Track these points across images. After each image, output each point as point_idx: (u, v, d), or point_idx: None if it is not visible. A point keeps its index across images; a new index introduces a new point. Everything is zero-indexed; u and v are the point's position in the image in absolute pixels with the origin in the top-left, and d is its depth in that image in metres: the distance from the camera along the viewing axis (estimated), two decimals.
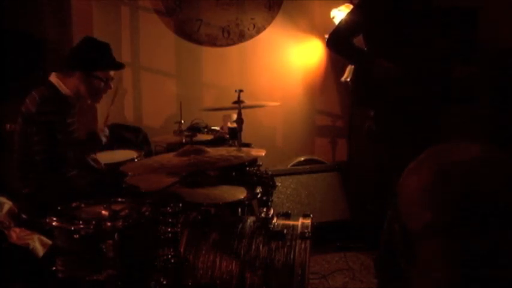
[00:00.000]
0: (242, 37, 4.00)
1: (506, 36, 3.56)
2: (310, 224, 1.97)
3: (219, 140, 3.07)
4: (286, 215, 2.08)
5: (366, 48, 2.89)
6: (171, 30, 3.87)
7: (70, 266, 1.86)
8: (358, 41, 2.91)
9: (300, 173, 3.73)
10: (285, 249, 1.84)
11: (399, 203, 0.84)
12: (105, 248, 1.84)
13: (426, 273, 0.79)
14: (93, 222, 1.85)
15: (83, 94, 2.67)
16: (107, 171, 2.63)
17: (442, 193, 0.78)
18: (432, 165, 0.81)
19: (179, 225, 1.91)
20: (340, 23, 3.14)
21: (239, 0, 3.94)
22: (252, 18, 3.99)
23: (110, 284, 1.85)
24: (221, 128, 3.52)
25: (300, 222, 1.99)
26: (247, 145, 2.77)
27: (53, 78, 2.64)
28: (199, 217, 2.03)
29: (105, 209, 1.87)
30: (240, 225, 1.97)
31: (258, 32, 4.03)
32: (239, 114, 2.35)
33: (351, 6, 3.61)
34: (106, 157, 2.74)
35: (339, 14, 3.85)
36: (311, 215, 2.06)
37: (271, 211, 2.01)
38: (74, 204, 2.05)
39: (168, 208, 1.87)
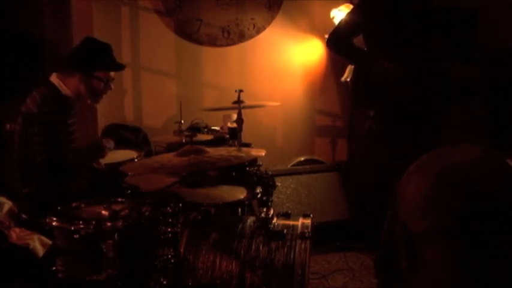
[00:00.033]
0: (242, 37, 4.00)
1: (506, 36, 3.56)
2: (310, 224, 1.97)
3: (219, 140, 3.06)
4: (286, 215, 2.07)
5: (366, 48, 2.89)
6: (171, 30, 3.87)
7: (70, 266, 1.85)
8: (358, 41, 2.91)
9: (300, 173, 3.73)
10: (285, 249, 1.84)
11: (400, 205, 0.84)
12: (105, 248, 1.83)
13: (428, 274, 0.79)
14: (93, 222, 1.85)
15: (83, 94, 2.67)
16: (107, 171, 2.62)
17: (442, 194, 0.78)
18: (432, 168, 0.81)
19: (179, 225, 1.91)
20: (340, 23, 3.14)
21: (239, 0, 3.94)
22: (252, 18, 3.99)
23: (110, 284, 1.84)
24: (221, 128, 3.52)
25: (300, 222, 1.99)
26: (247, 145, 2.76)
27: (54, 78, 2.64)
28: (199, 217, 2.03)
29: (105, 209, 1.87)
30: (240, 225, 1.97)
31: (258, 32, 4.03)
32: (239, 114, 2.35)
33: (351, 6, 3.61)
34: (106, 157, 2.73)
35: (339, 14, 3.85)
36: (311, 215, 2.06)
37: (271, 211, 2.01)
38: (74, 204, 2.05)
39: (168, 208, 1.87)
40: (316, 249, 2.95)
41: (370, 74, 2.75)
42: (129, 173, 2.13)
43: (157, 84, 3.91)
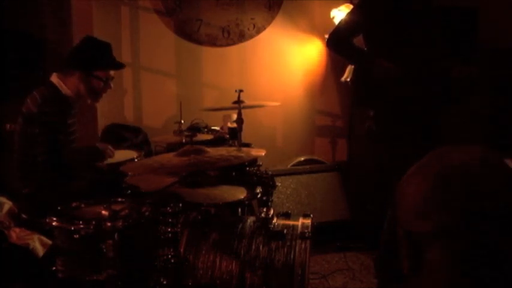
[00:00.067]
0: (242, 37, 4.00)
1: (506, 36, 3.56)
2: (310, 224, 1.97)
3: (219, 140, 3.06)
4: (286, 215, 2.07)
5: (366, 48, 2.89)
6: (171, 30, 3.87)
7: (70, 266, 1.85)
8: (358, 41, 2.91)
9: (300, 173, 3.73)
10: (285, 249, 1.84)
11: (400, 206, 0.84)
12: (105, 248, 1.83)
13: (428, 274, 0.79)
14: (93, 222, 1.85)
15: (83, 94, 2.67)
16: (107, 171, 2.62)
17: (442, 194, 0.78)
18: (432, 169, 0.81)
19: (179, 225, 1.91)
20: (340, 23, 3.14)
21: (239, 0, 3.94)
22: (252, 18, 3.99)
23: (110, 284, 1.84)
24: (221, 128, 3.52)
25: (300, 222, 1.99)
26: (247, 145, 2.76)
27: (54, 78, 2.64)
28: (199, 217, 2.03)
29: (105, 209, 1.87)
30: (240, 225, 1.97)
31: (258, 32, 4.03)
32: (239, 114, 2.34)
33: (351, 6, 3.62)
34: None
35: (339, 14, 3.85)
36: (311, 215, 2.06)
37: (271, 211, 2.01)
38: (74, 204, 2.05)
39: (168, 208, 1.87)
40: (316, 249, 2.95)
41: (370, 74, 2.75)
42: (129, 173, 2.13)
43: (157, 84, 3.91)
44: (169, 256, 1.85)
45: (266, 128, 4.17)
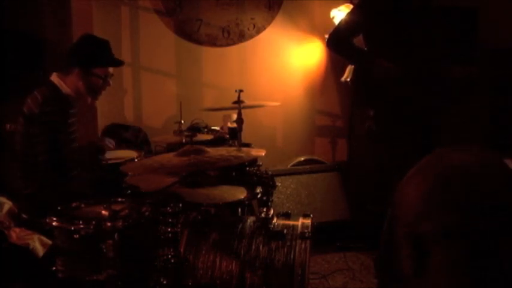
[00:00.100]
0: (242, 37, 4.00)
1: (506, 36, 3.56)
2: (310, 224, 1.97)
3: (219, 140, 3.06)
4: (286, 215, 2.07)
5: (366, 48, 2.89)
6: (171, 30, 3.87)
7: (70, 266, 1.85)
8: (358, 41, 2.91)
9: (300, 173, 3.73)
10: (285, 249, 1.84)
11: (400, 207, 0.84)
12: (105, 248, 1.83)
13: (429, 275, 0.79)
14: (93, 222, 1.85)
15: (82, 91, 2.68)
16: (107, 171, 2.62)
17: (442, 195, 0.78)
18: (432, 169, 0.81)
19: (179, 225, 1.91)
20: (340, 23, 3.14)
21: (239, 0, 3.94)
22: (252, 18, 3.99)
23: (110, 284, 1.84)
24: (221, 128, 3.52)
25: (300, 222, 1.99)
26: (247, 145, 2.76)
27: (54, 78, 2.64)
28: (199, 217, 2.03)
29: (105, 209, 1.87)
30: (240, 225, 1.97)
31: (258, 32, 4.03)
32: (239, 114, 2.34)
33: (351, 6, 3.61)
34: (106, 157, 2.73)
35: (339, 14, 3.85)
36: (311, 215, 2.06)
37: (271, 211, 2.01)
38: (74, 204, 2.05)
39: (168, 208, 1.87)
40: (316, 249, 2.95)
41: (370, 74, 2.75)
42: (129, 173, 2.13)
43: (157, 84, 3.92)
44: (169, 256, 1.85)
45: (266, 128, 4.17)
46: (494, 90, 3.59)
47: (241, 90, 2.31)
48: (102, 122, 3.67)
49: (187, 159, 1.76)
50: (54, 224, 1.88)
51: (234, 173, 2.37)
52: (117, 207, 1.91)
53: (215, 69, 4.02)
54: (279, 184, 3.27)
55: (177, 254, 1.86)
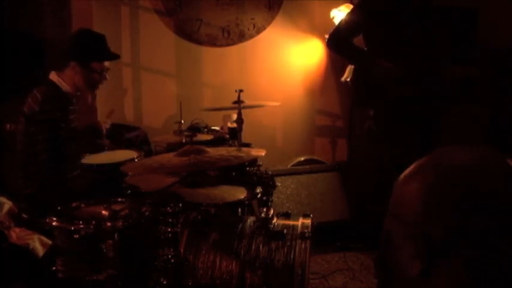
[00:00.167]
0: (242, 37, 4.00)
1: (506, 36, 3.56)
2: (310, 224, 1.97)
3: (219, 140, 3.06)
4: (286, 215, 2.07)
5: (366, 48, 2.89)
6: (171, 30, 3.87)
7: (70, 266, 1.85)
8: (358, 41, 2.91)
9: (300, 173, 3.73)
10: (285, 249, 1.84)
11: (400, 207, 0.84)
12: (105, 248, 1.83)
13: (435, 277, 0.79)
14: (93, 222, 1.85)
15: (80, 85, 2.69)
16: (107, 171, 2.62)
17: (442, 195, 0.78)
18: (432, 169, 0.81)
19: (179, 225, 1.91)
20: (340, 23, 3.14)
21: (239, 0, 3.94)
22: (252, 18, 3.99)
23: (110, 284, 1.84)
24: (221, 128, 3.52)
25: (300, 222, 1.98)
26: (247, 145, 2.76)
27: (53, 76, 2.66)
28: (199, 217, 2.03)
29: (105, 209, 1.87)
30: (240, 225, 1.97)
31: (258, 32, 4.03)
32: (239, 114, 2.34)
33: (351, 6, 3.62)
34: (106, 157, 2.73)
35: (339, 14, 3.85)
36: (311, 215, 2.06)
37: (271, 211, 2.01)
38: (74, 204, 2.05)
39: (168, 208, 1.87)
40: (316, 249, 2.95)
41: (370, 74, 2.75)
42: (129, 173, 2.13)
43: (157, 84, 3.92)
44: (169, 256, 1.84)
45: (266, 128, 4.17)
46: (494, 90, 3.59)
47: (241, 90, 2.31)
48: (105, 116, 3.66)
49: (187, 159, 1.76)
50: (54, 224, 1.88)
51: (234, 173, 2.37)
52: (117, 207, 1.91)
53: (215, 69, 4.02)
54: (279, 184, 3.27)
55: (177, 254, 1.86)
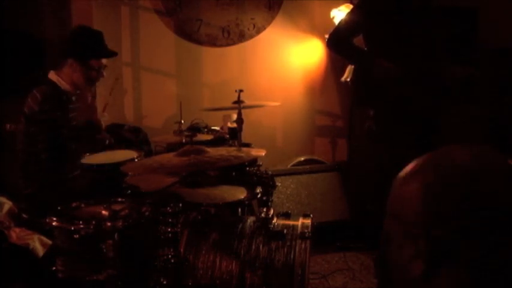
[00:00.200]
0: (242, 37, 4.00)
1: (506, 36, 3.56)
2: (310, 224, 1.97)
3: (219, 140, 3.06)
4: (286, 215, 2.07)
5: (366, 48, 2.89)
6: (171, 30, 3.87)
7: (70, 266, 1.85)
8: (358, 41, 2.91)
9: (300, 173, 3.73)
10: (285, 249, 1.84)
11: (399, 207, 0.84)
12: (105, 248, 1.83)
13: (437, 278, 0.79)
14: (93, 222, 1.85)
15: (78, 83, 2.70)
16: (107, 171, 2.63)
17: (441, 195, 0.78)
18: (431, 168, 0.81)
19: (179, 225, 1.91)
20: (340, 23, 3.14)
21: (239, 0, 3.94)
22: (252, 18, 3.99)
23: (110, 284, 1.84)
24: (221, 128, 3.52)
25: (300, 222, 1.98)
26: (247, 145, 2.76)
27: (52, 76, 2.67)
28: (199, 217, 2.03)
29: (105, 209, 1.87)
30: (240, 225, 1.97)
31: (258, 32, 4.03)
32: (239, 114, 2.34)
33: (351, 6, 3.61)
34: (106, 157, 2.74)
35: (339, 14, 3.85)
36: (311, 215, 2.06)
37: (271, 211, 2.01)
38: (74, 204, 2.05)
39: (168, 208, 1.87)
40: (316, 249, 2.95)
41: (370, 74, 2.75)
42: (129, 173, 2.13)
43: (157, 84, 3.92)
44: (169, 256, 1.85)
45: (266, 128, 4.17)
46: (494, 90, 3.59)
47: (241, 90, 2.31)
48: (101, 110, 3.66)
49: (187, 159, 1.76)
50: (54, 224, 1.88)
51: (234, 173, 2.37)
52: (117, 207, 1.91)
53: (215, 69, 4.02)
54: (279, 184, 3.27)
55: (177, 254, 1.86)
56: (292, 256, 1.82)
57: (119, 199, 2.10)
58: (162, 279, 1.84)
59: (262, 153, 2.02)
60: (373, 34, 2.82)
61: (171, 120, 3.46)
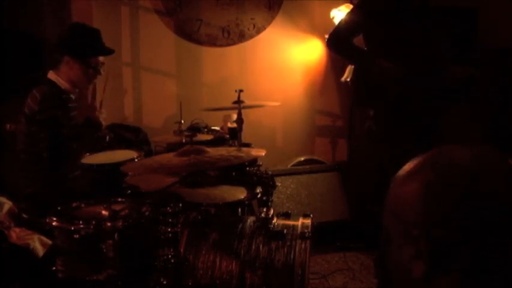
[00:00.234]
0: (242, 37, 4.00)
1: (506, 36, 3.56)
2: (310, 224, 1.97)
3: (219, 140, 3.06)
4: (286, 215, 2.07)
5: (366, 48, 2.89)
6: (171, 30, 3.87)
7: (70, 266, 1.85)
8: (358, 41, 2.91)
9: (300, 173, 3.73)
10: (285, 249, 1.84)
11: (399, 207, 0.84)
12: (105, 248, 1.83)
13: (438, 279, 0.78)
14: (93, 222, 1.85)
15: (75, 79, 2.70)
16: (107, 171, 2.63)
17: (441, 194, 0.78)
18: (431, 169, 0.81)
19: (179, 225, 1.91)
20: (340, 23, 3.14)
21: (239, 0, 3.94)
22: (252, 18, 3.99)
23: (110, 284, 1.84)
24: (221, 128, 3.52)
25: (300, 222, 1.99)
26: (247, 145, 2.77)
27: (51, 75, 2.67)
28: (199, 217, 2.03)
29: (105, 209, 1.87)
30: (240, 225, 1.97)
31: (258, 32, 4.03)
32: (239, 114, 2.34)
33: (351, 6, 3.61)
34: (106, 157, 2.74)
35: (339, 14, 3.85)
36: (311, 215, 2.06)
37: (271, 211, 2.01)
38: (74, 204, 2.05)
39: (168, 208, 1.87)
40: (316, 249, 2.95)
41: (370, 74, 2.75)
42: (129, 173, 2.13)
43: (157, 84, 3.92)
44: (169, 256, 1.85)
45: (266, 128, 4.17)
46: (494, 90, 3.59)
47: (241, 90, 2.31)
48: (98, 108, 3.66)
49: (187, 159, 1.76)
50: (54, 224, 1.88)
51: (234, 173, 2.37)
52: (117, 207, 1.91)
53: (215, 69, 4.02)
54: (279, 184, 3.27)
55: (177, 254, 1.86)
56: (292, 256, 1.82)
57: (119, 199, 2.10)
58: (162, 279, 1.84)
59: (262, 153, 2.02)
60: (373, 34, 2.82)
61: (171, 120, 3.46)
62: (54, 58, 2.76)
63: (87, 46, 2.69)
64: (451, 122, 3.27)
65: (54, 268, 1.86)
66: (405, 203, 0.82)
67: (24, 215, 2.56)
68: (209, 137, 3.03)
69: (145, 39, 3.83)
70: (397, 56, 2.69)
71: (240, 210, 2.40)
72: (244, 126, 2.38)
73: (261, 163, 2.45)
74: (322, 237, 2.83)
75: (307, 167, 3.84)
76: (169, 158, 1.85)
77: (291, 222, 1.99)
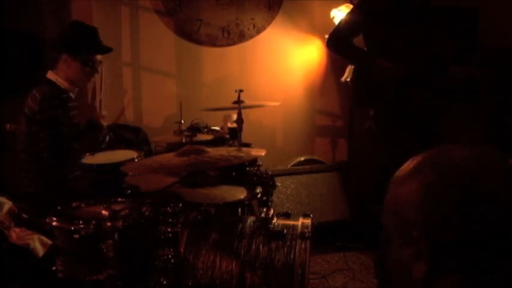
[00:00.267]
0: (242, 37, 4.00)
1: (506, 36, 3.56)
2: (310, 224, 1.97)
3: (219, 140, 3.06)
4: (286, 215, 2.07)
5: (365, 48, 2.89)
6: (171, 30, 3.87)
7: (70, 266, 1.85)
8: (358, 41, 2.91)
9: (300, 173, 3.73)
10: (285, 249, 1.84)
11: (399, 206, 0.84)
12: (105, 248, 1.83)
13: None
14: (93, 222, 1.85)
15: (73, 78, 2.71)
16: (107, 171, 2.63)
17: (441, 194, 0.78)
18: (432, 169, 0.81)
19: (179, 225, 1.91)
20: (340, 23, 3.14)
21: (239, 0, 3.94)
22: (252, 18, 3.99)
23: (110, 284, 1.84)
24: (221, 128, 3.52)
25: (300, 222, 1.98)
26: (247, 145, 2.76)
27: (51, 75, 2.68)
28: (199, 217, 2.03)
29: (105, 209, 1.87)
30: (240, 225, 1.97)
31: (258, 32, 4.03)
32: (239, 114, 2.34)
33: (351, 6, 3.61)
34: (106, 157, 2.74)
35: (339, 14, 3.85)
36: (311, 215, 2.06)
37: (271, 211, 2.01)
38: (74, 204, 2.05)
39: (168, 208, 1.87)
40: (316, 249, 2.95)
41: (370, 74, 2.75)
42: (129, 173, 2.13)
43: (157, 84, 3.91)
44: (169, 256, 1.85)
45: (266, 128, 4.17)
46: (494, 90, 3.58)
47: (241, 90, 2.30)
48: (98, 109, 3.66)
49: (187, 159, 1.76)
50: (54, 224, 1.88)
51: (234, 173, 2.37)
52: (117, 207, 1.91)
53: (215, 69, 4.02)
54: (279, 184, 3.27)
55: (177, 254, 1.86)
56: (292, 256, 1.82)
57: (119, 199, 2.10)
58: (162, 279, 1.84)
59: (262, 153, 2.02)
60: (373, 34, 2.82)
61: (171, 120, 3.46)
62: (52, 57, 2.76)
63: (85, 44, 2.69)
64: (451, 122, 3.27)
65: (54, 268, 1.86)
66: (405, 203, 0.82)
67: (24, 215, 2.56)
68: (209, 137, 3.03)
69: (145, 39, 3.82)
70: (397, 56, 2.69)
71: (240, 210, 2.40)
72: (244, 126, 2.38)
73: (261, 163, 2.45)
74: (322, 237, 2.83)
75: (307, 167, 3.84)
76: (169, 158, 1.85)
77: (291, 222, 1.99)
